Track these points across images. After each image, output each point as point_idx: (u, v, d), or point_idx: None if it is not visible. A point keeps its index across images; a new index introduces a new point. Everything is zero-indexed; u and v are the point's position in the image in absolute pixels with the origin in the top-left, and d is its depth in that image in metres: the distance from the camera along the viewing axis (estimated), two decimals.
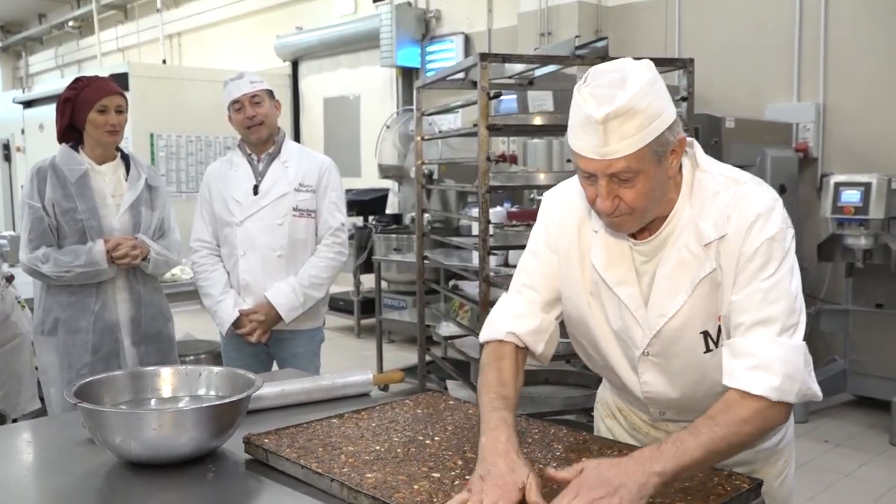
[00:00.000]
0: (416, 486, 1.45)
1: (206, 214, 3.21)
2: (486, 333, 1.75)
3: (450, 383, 4.12)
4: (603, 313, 1.68)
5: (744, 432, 1.44)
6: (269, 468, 1.62)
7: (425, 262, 4.31)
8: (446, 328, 4.61)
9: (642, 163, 1.46)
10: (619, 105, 1.42)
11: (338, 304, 7.44)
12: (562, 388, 3.61)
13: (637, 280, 1.62)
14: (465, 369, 4.56)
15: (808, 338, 1.54)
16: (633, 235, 1.61)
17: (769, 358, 1.47)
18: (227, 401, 1.67)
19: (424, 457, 1.60)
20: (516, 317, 1.72)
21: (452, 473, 1.51)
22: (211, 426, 1.63)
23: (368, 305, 7.17)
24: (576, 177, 1.71)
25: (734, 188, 1.56)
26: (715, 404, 1.48)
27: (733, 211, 1.53)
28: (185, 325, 6.54)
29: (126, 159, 3.00)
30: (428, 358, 4.46)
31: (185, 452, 1.62)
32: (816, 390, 1.51)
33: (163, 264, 3.03)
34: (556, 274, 1.72)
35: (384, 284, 6.71)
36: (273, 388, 2.03)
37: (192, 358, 4.63)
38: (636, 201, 1.50)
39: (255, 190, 3.13)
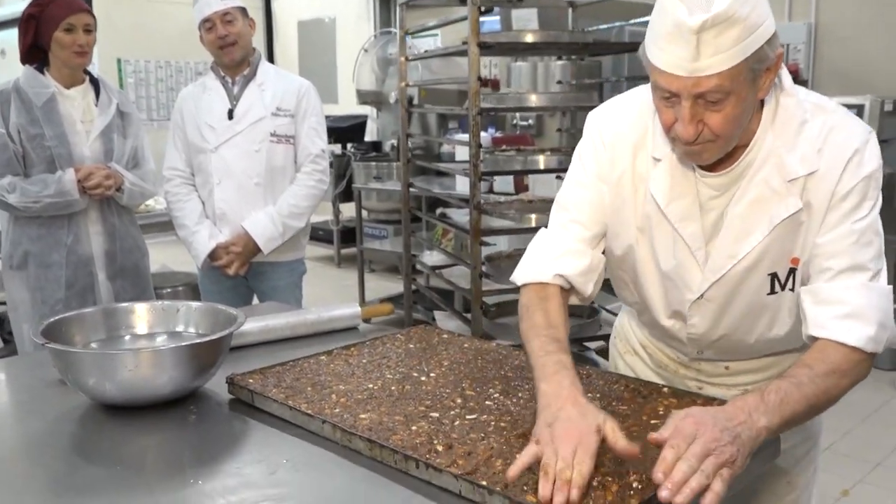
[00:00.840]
0: (414, 427, 1.35)
1: (179, 141, 3.05)
2: (526, 274, 1.56)
3: (437, 314, 4.04)
4: (651, 252, 1.53)
5: (841, 385, 1.33)
6: (254, 409, 1.52)
7: (410, 189, 4.17)
8: (430, 257, 4.52)
9: (736, 82, 1.27)
10: (717, 11, 1.23)
11: (317, 234, 7.32)
12: None
13: (700, 217, 1.47)
14: (450, 299, 4.48)
15: None
16: (704, 166, 1.45)
17: (862, 306, 1.34)
18: (208, 339, 1.56)
19: (421, 395, 1.51)
20: (564, 256, 1.53)
21: (452, 413, 1.42)
22: (191, 366, 1.53)
23: (348, 235, 7.06)
24: (624, 94, 1.56)
25: (823, 117, 1.39)
26: (808, 353, 1.36)
27: (825, 144, 1.37)
28: (161, 256, 6.40)
29: (95, 83, 2.81)
30: (413, 287, 4.37)
31: (165, 394, 1.51)
32: None
33: (138, 195, 2.88)
34: (606, 205, 1.55)
35: (364, 213, 6.58)
36: (255, 323, 1.92)
37: (168, 290, 4.52)
38: (723, 127, 1.32)
39: (230, 114, 2.96)
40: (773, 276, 1.45)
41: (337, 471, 1.28)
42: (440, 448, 1.28)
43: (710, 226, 1.46)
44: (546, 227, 1.63)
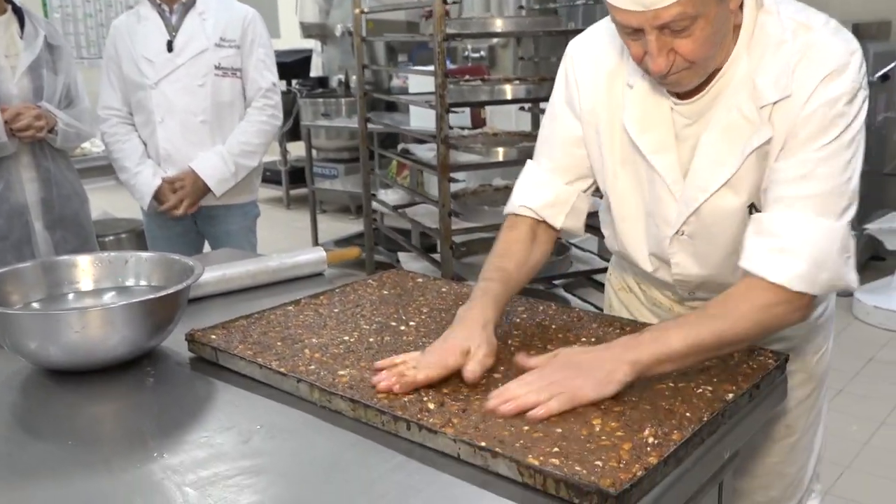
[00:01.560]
0: None
1: (114, 78, 2.81)
2: (506, 207, 1.56)
3: (401, 255, 3.89)
4: (630, 187, 1.44)
5: (742, 326, 1.23)
6: (219, 368, 1.38)
7: (368, 125, 3.97)
8: (386, 195, 4.35)
9: (699, 4, 1.18)
10: None
11: (265, 175, 7.03)
12: None
13: (676, 147, 1.37)
14: (408, 239, 4.34)
15: None
16: (677, 94, 1.35)
17: (797, 240, 1.24)
18: (163, 293, 1.40)
19: (402, 346, 1.38)
20: (532, 188, 1.52)
21: None
22: (146, 324, 1.37)
23: (297, 175, 6.83)
24: (602, 20, 1.44)
25: (805, 37, 1.27)
26: (733, 287, 1.28)
27: (798, 65, 1.26)
28: (102, 202, 6.12)
29: (19, 13, 2.56)
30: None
31: (117, 356, 1.36)
32: (850, 280, 1.29)
33: (73, 137, 2.65)
34: (579, 139, 1.48)
35: (313, 153, 6.35)
36: (212, 272, 1.77)
37: (111, 238, 4.30)
38: (695, 52, 1.23)
39: (170, 46, 2.74)
40: (752, 206, 1.36)
41: (317, 436, 1.16)
42: (432, 406, 1.16)
43: (686, 156, 1.37)
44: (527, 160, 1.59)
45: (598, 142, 1.46)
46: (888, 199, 5.19)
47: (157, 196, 2.78)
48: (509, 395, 1.14)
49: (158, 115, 2.75)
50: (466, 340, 1.25)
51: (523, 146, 3.28)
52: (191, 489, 1.02)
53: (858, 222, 4.57)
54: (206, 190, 2.78)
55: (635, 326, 1.44)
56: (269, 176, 7.10)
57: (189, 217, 2.85)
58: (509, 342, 1.39)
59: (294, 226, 6.70)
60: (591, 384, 1.15)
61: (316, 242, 5.73)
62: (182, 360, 1.43)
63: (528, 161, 1.59)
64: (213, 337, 1.43)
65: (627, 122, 1.40)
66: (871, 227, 4.41)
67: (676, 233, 1.42)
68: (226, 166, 2.78)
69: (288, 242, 5.92)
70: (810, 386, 1.58)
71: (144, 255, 1.59)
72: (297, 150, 6.90)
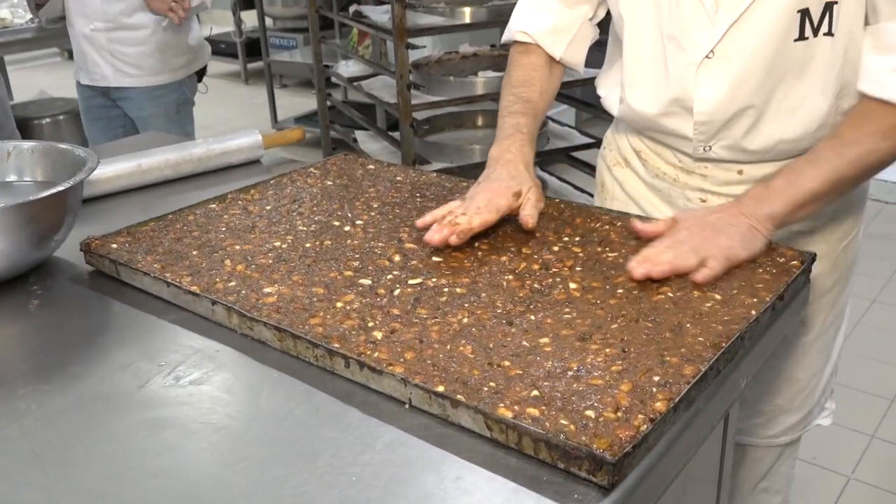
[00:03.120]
0: (338, 304, 0.98)
1: None
2: (504, 34, 1.43)
3: (359, 134, 3.57)
4: (652, 5, 1.22)
5: (881, 149, 1.09)
6: (121, 285, 1.13)
7: None
8: (345, 67, 3.98)
9: None
10: None
11: (219, 48, 6.58)
12: (489, 133, 3.12)
13: None
14: (371, 115, 4.01)
15: None
16: None
17: None
18: (48, 193, 1.12)
19: (346, 253, 1.13)
20: (530, 10, 1.37)
21: (389, 277, 1.05)
22: (29, 232, 1.11)
23: (255, 47, 6.36)
24: None
25: None
26: (845, 118, 1.11)
27: None
28: (42, 80, 5.68)
29: None
30: (328, 104, 3.86)
31: None
32: None
33: None
34: None
35: (269, 22, 5.88)
36: (125, 162, 1.48)
37: (48, 121, 3.94)
38: None
39: None
40: (804, 13, 1.10)
41: (235, 378, 0.92)
42: (378, 335, 0.91)
43: None
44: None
45: None
46: None
47: None
48: (657, 260, 1.01)
49: None
50: (514, 181, 1.16)
51: (494, 5, 2.90)
52: (62, 459, 0.78)
53: None
54: None
55: (627, 221, 1.19)
56: (224, 48, 6.64)
57: (108, 97, 2.52)
58: (476, 244, 1.13)
59: (253, 102, 6.31)
60: (739, 242, 1.04)
61: (275, 120, 5.38)
62: (78, 276, 1.17)
63: None
64: (114, 246, 1.17)
65: None
66: None
67: (707, 55, 1.17)
68: None
69: (245, 121, 5.56)
70: (833, 276, 1.35)
71: (27, 144, 1.30)
72: (252, 19, 6.39)
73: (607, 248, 1.12)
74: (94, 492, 0.74)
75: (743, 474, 1.54)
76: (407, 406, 0.83)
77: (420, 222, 1.14)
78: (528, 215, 1.12)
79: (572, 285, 1.01)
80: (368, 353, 0.88)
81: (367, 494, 0.72)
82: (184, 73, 2.69)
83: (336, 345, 0.89)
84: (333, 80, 3.79)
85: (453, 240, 1.08)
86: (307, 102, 6.07)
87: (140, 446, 0.80)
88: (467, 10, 2.80)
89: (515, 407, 0.77)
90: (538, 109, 1.31)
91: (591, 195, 1.84)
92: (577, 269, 1.06)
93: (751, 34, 1.14)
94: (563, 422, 0.75)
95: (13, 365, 0.96)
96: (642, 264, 1.01)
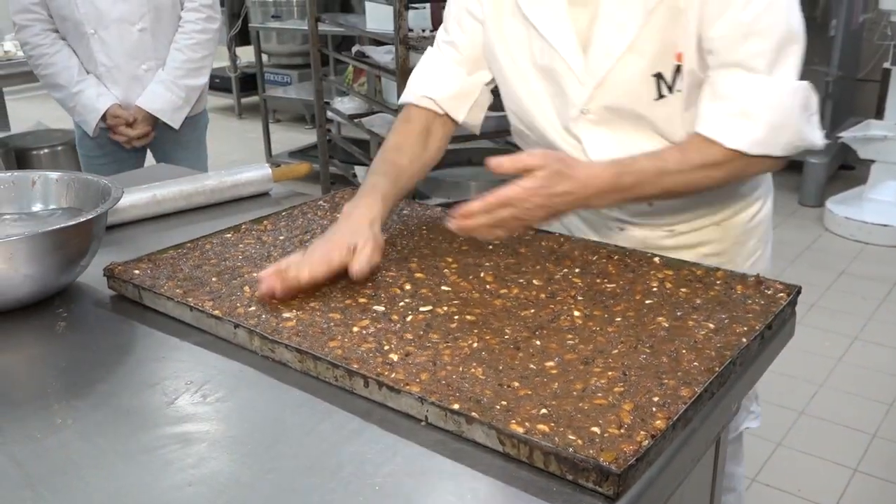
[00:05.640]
0: (355, 328, 1.05)
1: None
2: (404, 95, 1.48)
3: (358, 169, 3.64)
4: (531, 68, 1.35)
5: (714, 178, 1.24)
6: (144, 309, 1.19)
7: (319, 24, 3.64)
8: (342, 104, 4.07)
9: None
10: None
11: (214, 83, 6.67)
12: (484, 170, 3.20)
13: (572, 17, 1.29)
14: (366, 150, 4.10)
15: None
16: None
17: (754, 103, 1.20)
18: (75, 222, 1.18)
19: (358, 281, 1.19)
20: (434, 77, 1.44)
21: (401, 304, 1.12)
22: (56, 258, 1.16)
23: (249, 82, 6.46)
24: None
25: None
26: (688, 141, 1.25)
27: None
28: (38, 111, 5.73)
29: None
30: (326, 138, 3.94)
31: (20, 297, 1.15)
32: (814, 139, 1.24)
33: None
34: (484, 21, 1.38)
35: (264, 58, 5.99)
36: (140, 193, 1.54)
37: (46, 152, 3.99)
38: None
39: None
40: (659, 76, 1.27)
41: (258, 395, 0.97)
42: (395, 357, 0.97)
43: (585, 27, 1.29)
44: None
45: (495, 25, 1.37)
46: (861, 105, 5.05)
47: (107, 122, 2.50)
48: (472, 225, 1.17)
49: (89, 27, 2.44)
50: (352, 236, 1.17)
51: None
52: (100, 468, 0.83)
53: (831, 129, 4.43)
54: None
55: (623, 254, 1.26)
56: (219, 83, 6.73)
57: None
58: (482, 275, 1.20)
59: (246, 136, 6.40)
60: (544, 217, 1.18)
61: (269, 154, 5.45)
62: (101, 300, 1.23)
63: (428, 48, 1.50)
64: (137, 272, 1.22)
65: None
66: (845, 135, 4.27)
67: (582, 111, 1.32)
68: (175, 95, 2.51)
69: (239, 154, 5.64)
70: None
71: (53, 174, 1.36)
72: (247, 55, 6.51)
73: (605, 280, 1.18)
74: (133, 499, 0.79)
75: None
76: (423, 423, 0.89)
77: (262, 273, 1.13)
78: (357, 268, 1.14)
79: (576, 313, 1.08)
80: (386, 373, 0.94)
81: (391, 503, 0.78)
82: (205, 101, 2.76)
83: (355, 366, 0.95)
84: (329, 115, 3.87)
85: (277, 290, 1.10)
86: (300, 137, 6.17)
87: (173, 457, 0.85)
88: None
89: (526, 423, 0.84)
90: (403, 174, 1.35)
91: None
92: (579, 298, 1.13)
93: (617, 93, 1.28)
94: (571, 437, 0.81)
95: (46, 382, 1.01)
96: (460, 221, 1.16)
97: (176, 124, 2.54)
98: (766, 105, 1.20)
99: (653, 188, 1.22)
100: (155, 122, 2.53)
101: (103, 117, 2.50)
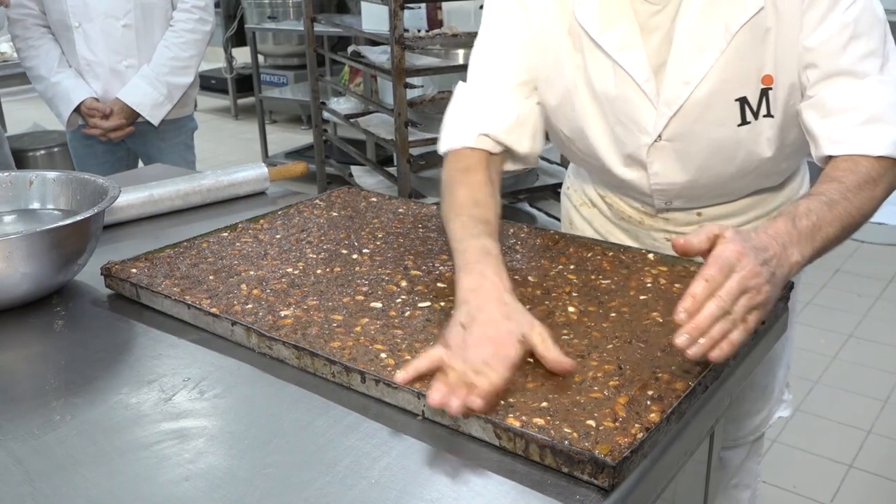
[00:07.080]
0: (356, 328, 1.05)
1: None
2: (448, 140, 1.29)
3: (355, 169, 3.65)
4: (592, 93, 1.26)
5: (876, 196, 1.11)
6: (141, 307, 1.19)
7: (315, 25, 3.64)
8: (338, 104, 4.08)
9: None
10: None
11: (209, 84, 6.69)
12: None
13: (643, 41, 1.19)
14: (361, 150, 4.11)
15: None
16: None
17: (881, 105, 1.12)
18: (72, 220, 1.18)
19: (355, 279, 1.20)
20: (487, 111, 1.27)
21: (398, 301, 1.12)
22: (54, 257, 1.17)
23: (245, 83, 6.47)
24: None
25: None
26: (831, 167, 1.13)
27: None
28: (35, 113, 5.73)
29: None
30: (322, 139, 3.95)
31: (18, 296, 1.16)
32: None
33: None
34: (531, 43, 1.27)
35: (260, 58, 5.99)
36: (137, 193, 1.55)
37: (42, 153, 4.00)
38: None
39: None
40: (743, 101, 1.20)
41: (256, 392, 0.98)
42: (392, 353, 0.98)
43: (655, 50, 1.20)
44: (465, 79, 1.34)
45: (549, 45, 1.26)
46: None
47: (82, 114, 2.50)
48: (703, 325, 0.87)
49: (74, 20, 2.44)
50: (513, 323, 0.94)
51: None
52: (98, 463, 0.84)
53: None
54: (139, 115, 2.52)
55: (618, 251, 1.27)
56: (215, 84, 6.74)
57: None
58: None
59: (242, 137, 6.40)
60: (772, 301, 0.94)
61: (266, 155, 5.46)
62: (99, 298, 1.23)
63: (461, 84, 1.33)
64: (134, 271, 1.23)
65: (583, 19, 1.21)
66: None
67: (655, 140, 1.24)
68: (156, 90, 2.50)
69: (236, 155, 5.64)
70: None
71: (50, 174, 1.36)
72: (243, 55, 6.51)
73: (600, 276, 1.19)
74: (132, 493, 0.80)
75: (715, 475, 1.63)
76: (419, 418, 0.90)
77: (401, 378, 0.91)
78: (556, 359, 0.92)
79: (570, 309, 1.09)
80: (383, 369, 0.94)
81: (386, 495, 0.78)
82: (192, 106, 2.75)
83: (352, 362, 0.96)
84: (325, 116, 3.88)
85: (477, 406, 0.84)
86: (296, 138, 6.18)
87: (171, 452, 0.86)
88: (461, 53, 2.92)
89: (523, 417, 0.84)
90: (497, 230, 1.13)
91: None
92: (574, 294, 1.13)
93: (695, 120, 1.21)
94: (567, 430, 0.82)
95: (44, 379, 1.02)
96: (686, 335, 0.87)
97: (155, 121, 2.53)
98: (891, 104, 1.13)
99: (830, 226, 1.04)
100: (134, 116, 2.51)
101: (79, 111, 2.49)
